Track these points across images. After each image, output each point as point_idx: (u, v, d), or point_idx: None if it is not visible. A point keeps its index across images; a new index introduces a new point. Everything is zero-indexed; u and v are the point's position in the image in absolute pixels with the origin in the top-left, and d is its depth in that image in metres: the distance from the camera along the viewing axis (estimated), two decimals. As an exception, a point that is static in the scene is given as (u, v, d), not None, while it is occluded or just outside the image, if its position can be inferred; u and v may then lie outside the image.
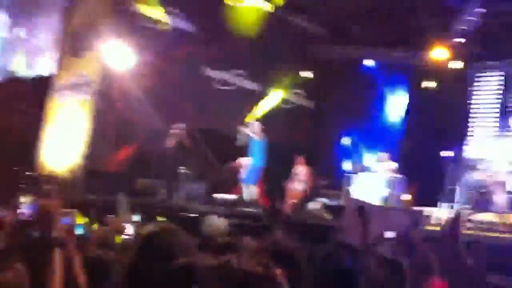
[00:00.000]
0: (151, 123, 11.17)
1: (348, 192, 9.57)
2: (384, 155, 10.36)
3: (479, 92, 12.87)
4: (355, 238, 5.20)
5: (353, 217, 5.46)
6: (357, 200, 7.13)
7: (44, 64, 12.72)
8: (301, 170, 10.56)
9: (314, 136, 13.68)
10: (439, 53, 12.01)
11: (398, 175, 9.94)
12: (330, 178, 11.01)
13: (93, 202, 7.09)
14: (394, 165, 10.18)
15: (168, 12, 12.21)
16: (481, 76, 12.91)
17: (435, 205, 9.83)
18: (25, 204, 4.54)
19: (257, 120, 10.23)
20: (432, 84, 12.99)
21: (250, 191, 9.36)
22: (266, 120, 11.03)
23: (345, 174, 10.03)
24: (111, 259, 3.18)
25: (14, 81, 12.34)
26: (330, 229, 7.13)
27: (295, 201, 9.91)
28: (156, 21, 12.04)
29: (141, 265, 2.11)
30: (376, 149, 11.18)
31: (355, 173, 10.20)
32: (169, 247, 2.12)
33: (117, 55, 11.18)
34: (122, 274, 2.24)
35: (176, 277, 2.00)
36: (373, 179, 9.82)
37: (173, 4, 12.23)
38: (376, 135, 12.99)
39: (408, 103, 13.73)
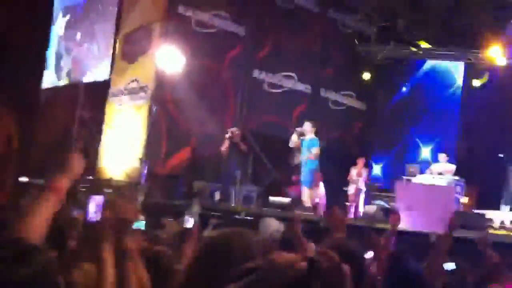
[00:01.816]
0: (204, 126, 11.23)
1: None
2: (443, 156, 10.06)
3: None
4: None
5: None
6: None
7: (100, 69, 12.99)
8: (360, 172, 10.38)
9: (367, 138, 13.47)
10: (494, 50, 11.64)
11: (457, 177, 9.63)
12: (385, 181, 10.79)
13: (152, 205, 7.15)
14: (453, 166, 9.87)
15: (217, 15, 12.27)
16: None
17: (497, 208, 9.48)
18: (94, 206, 4.58)
19: (309, 121, 10.12)
20: (486, 82, 12.63)
21: (308, 193, 9.26)
22: (318, 122, 10.90)
23: (402, 176, 9.78)
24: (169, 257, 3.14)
25: (72, 87, 12.64)
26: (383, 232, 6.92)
27: (354, 203, 9.75)
28: (206, 25, 12.12)
29: (201, 269, 2.07)
30: (434, 151, 10.88)
31: (414, 175, 9.93)
32: (233, 251, 2.07)
33: (169, 59, 11.26)
34: (182, 277, 2.19)
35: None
36: (432, 181, 9.54)
37: (223, 7, 12.29)
38: (433, 136, 12.68)
39: (463, 101, 13.36)
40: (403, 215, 6.55)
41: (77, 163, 2.08)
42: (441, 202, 7.45)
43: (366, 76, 13.93)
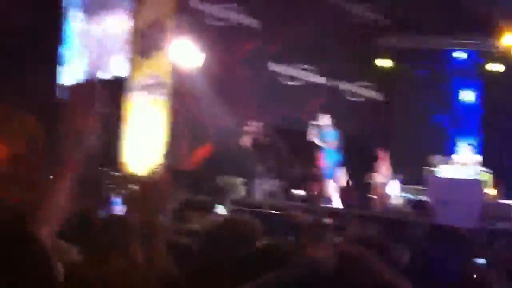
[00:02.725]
0: (222, 121, 11.14)
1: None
2: (468, 147, 9.86)
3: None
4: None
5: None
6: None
7: (117, 65, 12.93)
8: (383, 164, 10.21)
9: (387, 130, 13.30)
10: (509, 39, 11.53)
11: (484, 168, 9.43)
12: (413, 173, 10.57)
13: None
14: (478, 157, 9.67)
15: (230, 8, 12.18)
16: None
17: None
18: (119, 202, 4.56)
19: (326, 114, 10.03)
20: (503, 70, 12.52)
21: (330, 186, 9.16)
22: (336, 114, 10.79)
23: (426, 168, 9.58)
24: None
25: (91, 82, 12.57)
26: (413, 225, 6.79)
27: (378, 196, 9.60)
28: (219, 18, 12.03)
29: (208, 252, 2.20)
30: (457, 141, 10.67)
31: (437, 167, 9.73)
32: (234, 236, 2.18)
33: (185, 54, 11.22)
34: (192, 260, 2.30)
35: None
36: (457, 173, 9.35)
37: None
38: (456, 126, 12.51)
39: (482, 92, 13.17)
40: (436, 210, 6.49)
41: (91, 130, 1.95)
42: (470, 196, 7.33)
43: (383, 67, 13.77)
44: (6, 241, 1.41)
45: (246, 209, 7.29)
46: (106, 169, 9.27)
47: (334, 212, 8.00)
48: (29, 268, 1.38)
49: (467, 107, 13.35)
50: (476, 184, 8.27)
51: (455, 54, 13.50)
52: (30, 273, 1.38)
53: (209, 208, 6.09)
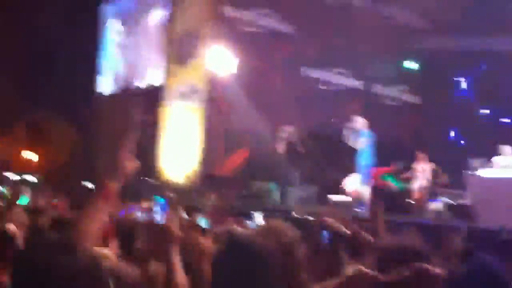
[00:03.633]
0: (258, 126, 11.17)
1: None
2: (508, 148, 9.59)
3: None
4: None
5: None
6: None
7: (153, 73, 13.14)
8: (422, 167, 9.99)
9: (424, 132, 13.08)
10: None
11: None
12: (451, 176, 10.28)
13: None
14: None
15: (265, 15, 12.22)
16: None
17: None
18: (157, 208, 4.63)
19: (359, 116, 9.97)
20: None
21: (365, 189, 9.08)
22: (372, 118, 10.66)
23: (465, 171, 9.33)
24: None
25: (128, 91, 12.84)
26: (453, 230, 6.65)
27: (418, 200, 9.43)
28: (255, 25, 12.09)
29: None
30: (495, 142, 10.37)
31: (476, 169, 9.48)
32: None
33: (220, 61, 11.30)
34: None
35: None
36: (498, 175, 9.10)
37: (270, 5, 12.22)
38: (491, 127, 12.20)
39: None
40: (477, 212, 6.33)
41: (128, 165, 2.07)
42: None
43: (419, 70, 13.56)
44: (55, 253, 1.48)
45: (281, 215, 7.31)
46: (144, 176, 9.45)
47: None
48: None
49: (505, 107, 12.99)
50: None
51: (492, 55, 13.16)
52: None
53: (245, 214, 6.15)
